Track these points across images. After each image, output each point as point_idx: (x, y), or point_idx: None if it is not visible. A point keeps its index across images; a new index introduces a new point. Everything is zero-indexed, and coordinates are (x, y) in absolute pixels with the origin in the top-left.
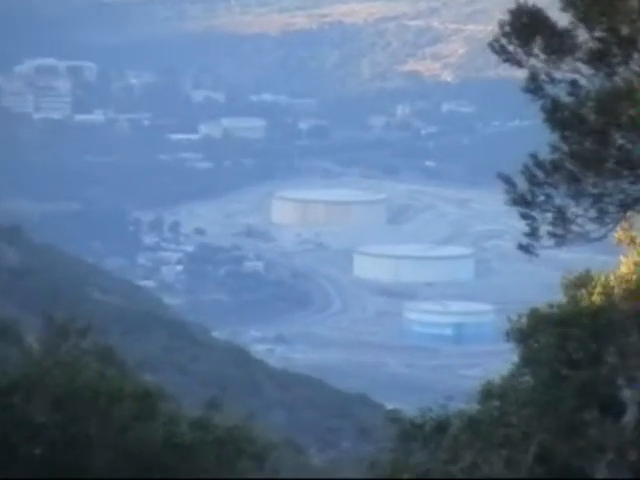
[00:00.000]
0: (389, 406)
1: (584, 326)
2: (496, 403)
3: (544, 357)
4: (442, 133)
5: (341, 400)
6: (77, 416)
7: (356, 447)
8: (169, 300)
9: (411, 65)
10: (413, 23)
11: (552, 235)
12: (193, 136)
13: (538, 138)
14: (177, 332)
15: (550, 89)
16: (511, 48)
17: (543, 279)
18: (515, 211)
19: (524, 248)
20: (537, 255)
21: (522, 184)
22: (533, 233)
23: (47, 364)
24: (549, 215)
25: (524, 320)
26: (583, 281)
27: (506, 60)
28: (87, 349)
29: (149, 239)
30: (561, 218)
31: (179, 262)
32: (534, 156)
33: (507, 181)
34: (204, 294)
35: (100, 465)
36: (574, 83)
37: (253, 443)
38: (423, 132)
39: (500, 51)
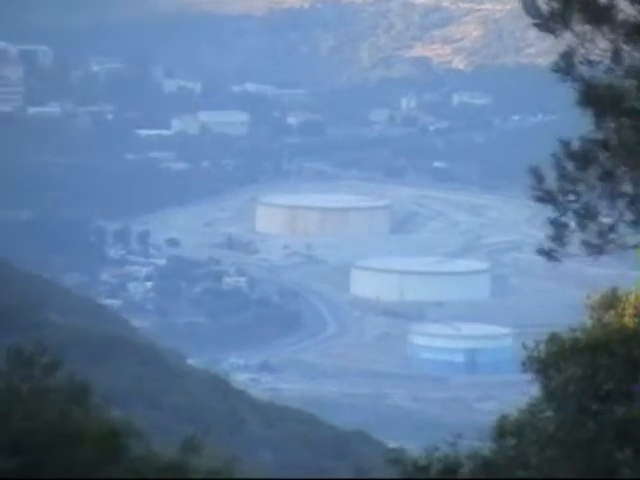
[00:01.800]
0: (391, 444)
1: (615, 354)
2: (513, 442)
3: (569, 390)
4: (453, 129)
5: (336, 437)
6: (35, 461)
7: None
8: (138, 322)
9: (418, 50)
10: (420, 1)
11: (583, 243)
12: (165, 132)
13: (565, 135)
14: (147, 359)
15: (584, 70)
16: (547, 10)
17: (569, 298)
18: (537, 220)
19: (546, 253)
20: (560, 261)
21: (551, 181)
22: (558, 237)
23: (8, 402)
24: (579, 217)
25: (542, 347)
26: (611, 301)
27: (538, 25)
28: (55, 386)
29: (114, 252)
30: (593, 221)
31: (149, 278)
32: (566, 144)
33: (536, 175)
34: (178, 315)
35: None
36: (613, 56)
37: None
38: (432, 128)
39: (533, 12)
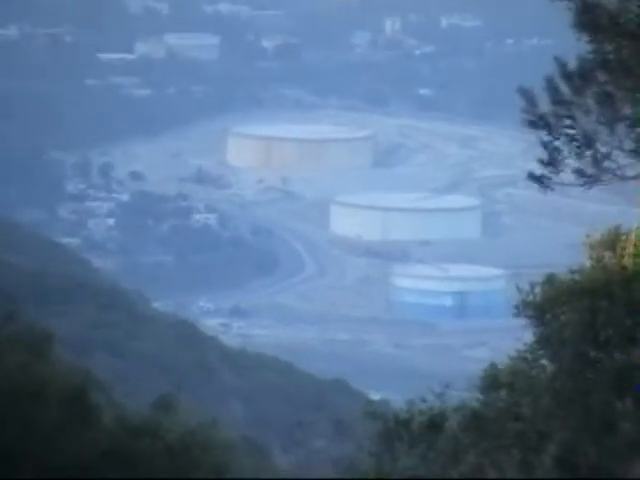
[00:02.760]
0: (372, 396)
1: (615, 297)
2: (504, 392)
3: (566, 336)
4: (441, 54)
5: (314, 388)
6: None
7: (330, 447)
8: (98, 262)
9: None
10: None
11: (576, 172)
12: (129, 56)
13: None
14: (109, 303)
15: None
16: None
17: (566, 237)
18: (533, 153)
19: (537, 178)
20: (552, 189)
21: (545, 105)
22: (552, 163)
23: None
24: (574, 144)
25: (538, 290)
26: (612, 240)
27: None
28: (12, 336)
29: (72, 186)
30: (589, 148)
31: (110, 214)
32: (562, 64)
33: (527, 97)
34: (142, 255)
35: None
36: None
37: (212, 452)
38: (417, 52)
39: None
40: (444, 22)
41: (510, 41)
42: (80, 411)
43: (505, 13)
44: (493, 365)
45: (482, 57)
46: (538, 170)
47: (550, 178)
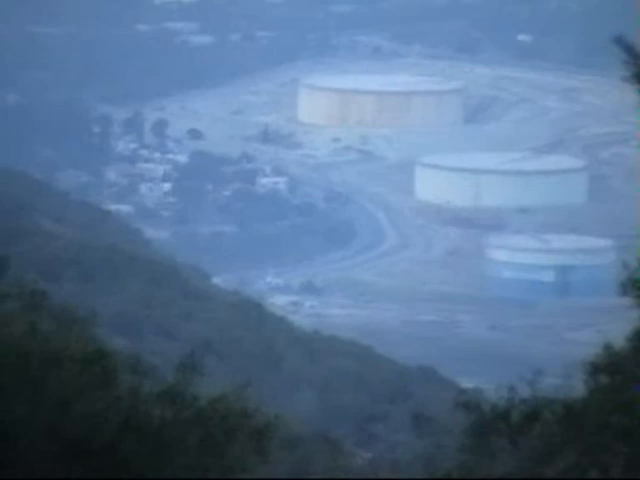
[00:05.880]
0: (464, 384)
1: None
2: (608, 381)
3: None
4: None
5: (396, 375)
6: None
7: (413, 443)
8: (151, 232)
9: None
10: None
11: None
12: None
13: None
14: (162, 278)
15: None
16: None
17: None
18: None
19: None
20: None
21: None
22: None
23: None
24: None
25: None
26: None
27: None
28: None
29: (122, 145)
30: None
31: (166, 178)
32: None
33: (627, 48)
34: (201, 224)
35: (30, 459)
36: None
37: (250, 419)
38: None
39: None
40: None
41: None
42: (96, 375)
43: None
44: (602, 351)
45: None
46: None
47: None
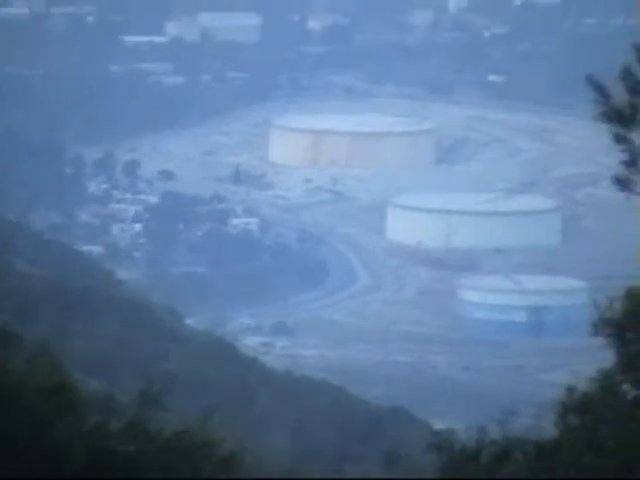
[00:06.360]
0: (437, 425)
1: None
2: (579, 421)
3: None
4: (514, 35)
5: (368, 416)
6: None
7: None
8: (123, 273)
9: None
10: None
11: None
12: (158, 38)
13: None
14: (135, 318)
15: None
16: None
17: None
18: (618, 148)
19: (621, 182)
20: (638, 193)
21: (620, 94)
22: (633, 162)
23: None
24: None
25: (618, 305)
26: None
27: None
28: None
29: (94, 186)
30: None
31: (137, 219)
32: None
33: (598, 88)
34: (173, 265)
35: None
36: None
37: (215, 448)
38: (487, 34)
39: None
40: None
41: (591, 20)
42: (59, 405)
43: None
44: (571, 390)
45: (560, 38)
46: (622, 172)
47: (634, 182)
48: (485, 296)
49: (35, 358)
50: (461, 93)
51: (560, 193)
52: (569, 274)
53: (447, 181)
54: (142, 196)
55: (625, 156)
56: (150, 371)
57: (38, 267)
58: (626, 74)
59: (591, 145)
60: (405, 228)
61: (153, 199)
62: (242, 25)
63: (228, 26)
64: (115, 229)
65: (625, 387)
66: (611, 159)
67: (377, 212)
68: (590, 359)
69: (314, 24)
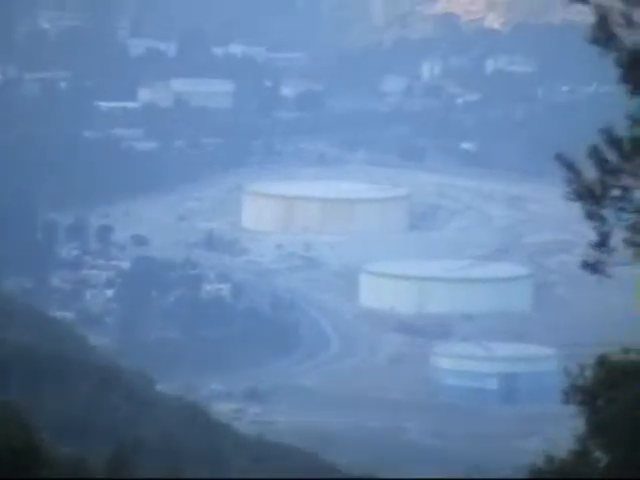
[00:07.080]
0: None
1: None
2: None
3: (621, 425)
4: (486, 102)
5: None
6: None
7: None
8: (95, 339)
9: (442, 5)
10: None
11: (630, 244)
12: (131, 104)
13: (624, 110)
14: (107, 384)
15: (628, 37)
16: None
17: (629, 311)
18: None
19: (590, 266)
20: (608, 276)
21: (591, 172)
22: (603, 243)
23: None
24: (626, 216)
25: (589, 373)
26: None
27: None
28: None
29: (66, 252)
30: None
31: (109, 284)
32: (607, 132)
33: (568, 166)
34: (145, 331)
35: None
36: None
37: None
38: (460, 101)
39: None
40: (489, 66)
41: (564, 88)
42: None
43: (558, 56)
44: (543, 458)
45: (532, 106)
46: (591, 255)
47: (604, 263)
48: (457, 363)
49: (3, 420)
50: (434, 160)
51: (532, 260)
52: (540, 341)
53: (420, 248)
54: (114, 262)
55: (595, 237)
56: (121, 436)
57: (9, 332)
58: (594, 151)
59: (563, 212)
60: (377, 294)
61: (125, 264)
62: (215, 91)
63: (201, 92)
64: (87, 294)
65: (596, 454)
66: (584, 227)
67: (350, 278)
68: (563, 426)
69: (287, 90)
